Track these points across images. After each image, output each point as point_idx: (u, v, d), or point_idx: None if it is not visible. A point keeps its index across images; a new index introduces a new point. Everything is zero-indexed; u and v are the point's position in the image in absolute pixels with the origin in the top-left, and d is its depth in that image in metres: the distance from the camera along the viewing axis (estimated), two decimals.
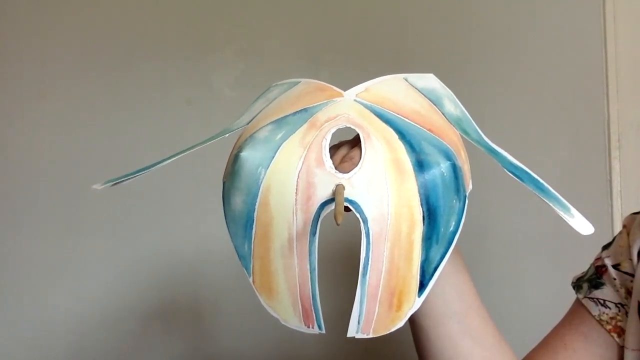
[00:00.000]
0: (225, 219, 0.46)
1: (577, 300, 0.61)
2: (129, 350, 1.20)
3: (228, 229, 0.45)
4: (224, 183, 0.46)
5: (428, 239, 0.42)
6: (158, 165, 0.50)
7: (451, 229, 0.43)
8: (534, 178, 0.45)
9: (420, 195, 0.41)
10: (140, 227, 1.21)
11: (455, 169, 0.42)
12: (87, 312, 1.20)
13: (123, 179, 0.50)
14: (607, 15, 1.13)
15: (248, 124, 0.49)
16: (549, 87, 1.15)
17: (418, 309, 0.45)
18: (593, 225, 0.42)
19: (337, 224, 0.37)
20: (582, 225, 0.42)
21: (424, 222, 0.41)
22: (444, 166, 0.42)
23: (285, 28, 1.22)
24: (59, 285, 1.21)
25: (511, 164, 0.46)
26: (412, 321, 0.54)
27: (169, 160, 0.50)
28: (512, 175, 0.45)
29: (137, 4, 1.24)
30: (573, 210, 0.43)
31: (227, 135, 0.50)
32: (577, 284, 0.62)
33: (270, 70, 1.20)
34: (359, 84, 0.47)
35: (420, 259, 0.42)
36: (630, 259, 0.58)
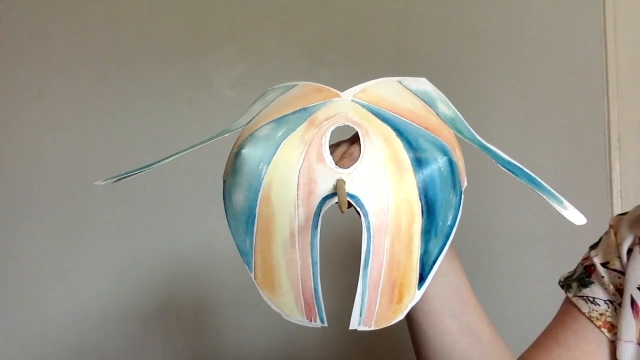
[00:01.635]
0: (226, 216, 0.46)
1: (567, 299, 0.63)
2: (129, 350, 1.20)
3: (229, 225, 0.46)
4: (224, 181, 0.47)
5: (427, 232, 0.43)
6: (159, 163, 0.50)
7: (449, 222, 0.44)
8: (527, 173, 0.47)
9: (419, 190, 0.42)
10: (140, 227, 1.21)
11: (452, 164, 0.44)
12: (87, 312, 1.20)
13: (124, 176, 0.51)
14: (607, 15, 1.13)
15: (247, 124, 0.49)
16: (549, 87, 1.16)
17: (416, 306, 0.46)
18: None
19: (342, 212, 0.39)
20: (575, 216, 0.44)
21: (422, 216, 0.42)
22: (441, 161, 0.43)
23: (285, 28, 1.22)
24: (59, 285, 1.21)
25: (504, 159, 0.47)
26: (410, 319, 0.55)
27: (169, 159, 0.51)
28: (506, 170, 0.46)
29: (137, 4, 1.24)
30: (566, 202, 0.45)
31: (226, 135, 0.51)
32: (565, 283, 0.64)
33: (270, 70, 1.21)
34: (359, 83, 0.49)
35: (420, 252, 0.43)
36: (619, 257, 0.59)
